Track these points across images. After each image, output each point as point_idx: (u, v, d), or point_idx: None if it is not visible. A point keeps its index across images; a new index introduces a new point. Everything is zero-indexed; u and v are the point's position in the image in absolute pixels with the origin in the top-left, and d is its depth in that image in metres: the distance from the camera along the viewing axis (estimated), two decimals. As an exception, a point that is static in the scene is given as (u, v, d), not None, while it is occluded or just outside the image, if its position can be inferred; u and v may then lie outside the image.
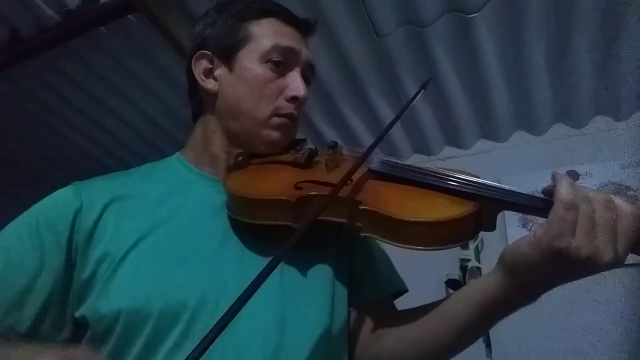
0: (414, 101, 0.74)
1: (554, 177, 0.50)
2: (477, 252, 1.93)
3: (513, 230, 1.86)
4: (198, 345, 0.35)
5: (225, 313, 0.38)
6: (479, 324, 0.57)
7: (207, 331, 0.37)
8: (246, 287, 0.57)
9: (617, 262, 0.46)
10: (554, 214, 0.47)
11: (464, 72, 1.77)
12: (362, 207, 0.55)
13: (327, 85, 1.90)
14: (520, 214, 1.87)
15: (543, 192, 0.51)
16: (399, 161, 0.64)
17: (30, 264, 0.57)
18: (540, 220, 0.51)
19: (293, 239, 0.47)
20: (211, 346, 0.53)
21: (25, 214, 0.61)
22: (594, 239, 0.45)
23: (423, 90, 0.75)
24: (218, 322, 0.37)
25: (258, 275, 0.42)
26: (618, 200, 0.47)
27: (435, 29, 1.59)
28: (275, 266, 0.44)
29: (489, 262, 1.86)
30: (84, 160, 2.59)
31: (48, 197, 0.63)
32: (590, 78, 1.73)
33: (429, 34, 1.62)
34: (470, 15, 1.53)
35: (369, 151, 0.61)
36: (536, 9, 1.50)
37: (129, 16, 1.70)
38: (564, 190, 0.47)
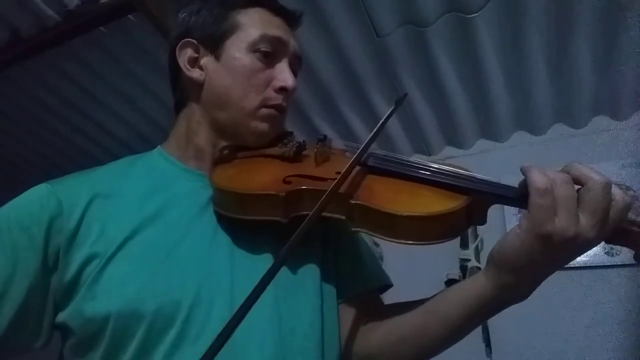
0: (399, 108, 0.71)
1: (522, 170, 0.50)
2: (477, 252, 1.93)
3: (513, 230, 1.86)
4: (208, 351, 0.36)
5: (232, 318, 0.38)
6: (471, 322, 0.57)
7: (216, 335, 0.36)
8: (240, 286, 0.57)
9: (601, 238, 0.47)
10: (532, 203, 0.47)
11: (464, 72, 1.77)
12: (353, 202, 0.54)
13: (326, 85, 1.89)
14: (520, 215, 1.88)
15: (519, 187, 0.52)
16: (390, 155, 0.64)
17: (2, 269, 0.53)
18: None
19: (295, 239, 0.46)
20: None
21: None
22: (575, 218, 0.46)
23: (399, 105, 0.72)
24: (226, 325, 0.37)
25: (263, 277, 0.41)
26: (596, 179, 0.47)
27: (435, 29, 1.59)
28: (279, 268, 0.43)
29: (489, 262, 1.86)
30: (84, 160, 2.59)
31: (18, 197, 0.59)
32: (590, 78, 1.73)
33: (429, 34, 1.61)
34: (470, 15, 1.53)
35: (361, 153, 0.59)
36: (536, 9, 1.50)
37: (129, 16, 1.69)
38: (535, 178, 0.48)
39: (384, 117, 0.66)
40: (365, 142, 0.61)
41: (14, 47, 1.83)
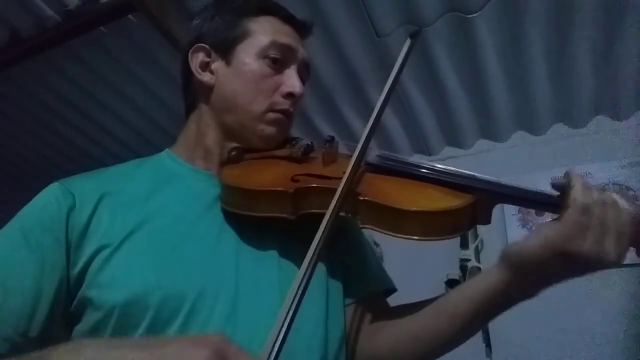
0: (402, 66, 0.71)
1: (569, 175, 0.50)
2: (477, 252, 1.93)
3: (513, 230, 1.86)
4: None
5: (285, 319, 0.43)
6: (481, 319, 0.59)
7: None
8: (244, 282, 0.59)
9: (620, 262, 0.48)
10: (568, 218, 0.48)
11: (464, 72, 1.77)
12: (362, 198, 0.56)
13: (327, 85, 1.90)
14: (520, 215, 1.88)
15: (553, 186, 0.52)
16: (394, 154, 0.65)
17: (31, 269, 0.55)
18: (536, 215, 0.52)
19: (321, 237, 0.50)
20: None
21: (14, 220, 0.59)
22: (603, 242, 0.47)
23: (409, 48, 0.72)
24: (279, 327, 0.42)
25: (302, 280, 0.46)
26: (622, 202, 0.48)
27: (435, 29, 1.59)
28: (314, 267, 0.48)
29: (489, 262, 1.86)
30: (84, 160, 2.59)
31: (35, 199, 0.60)
32: (590, 78, 1.73)
33: (429, 34, 1.62)
34: (470, 15, 1.53)
35: (367, 141, 0.61)
36: (536, 9, 1.50)
37: (129, 16, 1.70)
38: (581, 194, 0.48)
39: (399, 64, 0.65)
40: (369, 128, 0.62)
41: (14, 47, 1.83)
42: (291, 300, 0.45)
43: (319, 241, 0.50)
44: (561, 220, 0.48)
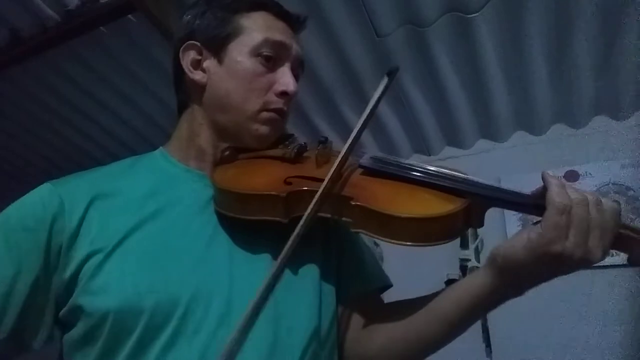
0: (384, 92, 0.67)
1: (544, 179, 0.51)
2: (477, 252, 1.93)
3: (513, 230, 1.86)
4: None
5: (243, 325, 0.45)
6: (470, 319, 0.59)
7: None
8: (238, 284, 0.59)
9: (604, 258, 0.49)
10: (547, 220, 0.48)
11: (464, 72, 1.77)
12: (353, 203, 0.55)
13: (326, 85, 1.89)
14: (520, 215, 1.87)
15: (534, 193, 0.53)
16: (388, 157, 0.64)
17: (6, 269, 0.55)
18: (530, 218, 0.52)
19: (293, 240, 0.49)
20: (204, 344, 0.53)
21: None
22: (586, 241, 0.47)
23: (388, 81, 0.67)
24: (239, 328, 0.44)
25: (268, 282, 0.47)
26: (604, 200, 0.49)
27: (435, 29, 1.59)
28: (282, 270, 0.48)
29: (489, 262, 1.86)
30: (84, 160, 2.59)
31: (22, 198, 0.60)
32: (590, 78, 1.73)
33: (429, 34, 1.62)
34: (470, 15, 1.53)
35: (352, 145, 0.60)
36: (536, 9, 1.50)
37: (129, 16, 1.70)
38: (556, 195, 0.48)
39: (374, 101, 0.64)
40: (352, 137, 0.61)
41: (14, 47, 1.83)
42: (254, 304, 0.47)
43: (293, 240, 0.51)
44: (542, 223, 0.49)
